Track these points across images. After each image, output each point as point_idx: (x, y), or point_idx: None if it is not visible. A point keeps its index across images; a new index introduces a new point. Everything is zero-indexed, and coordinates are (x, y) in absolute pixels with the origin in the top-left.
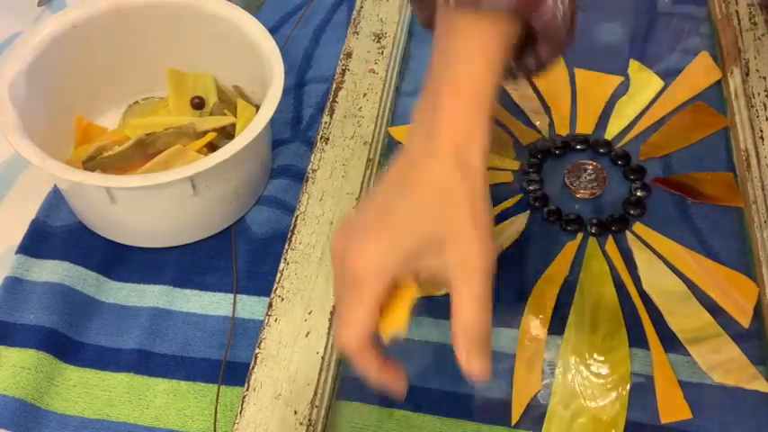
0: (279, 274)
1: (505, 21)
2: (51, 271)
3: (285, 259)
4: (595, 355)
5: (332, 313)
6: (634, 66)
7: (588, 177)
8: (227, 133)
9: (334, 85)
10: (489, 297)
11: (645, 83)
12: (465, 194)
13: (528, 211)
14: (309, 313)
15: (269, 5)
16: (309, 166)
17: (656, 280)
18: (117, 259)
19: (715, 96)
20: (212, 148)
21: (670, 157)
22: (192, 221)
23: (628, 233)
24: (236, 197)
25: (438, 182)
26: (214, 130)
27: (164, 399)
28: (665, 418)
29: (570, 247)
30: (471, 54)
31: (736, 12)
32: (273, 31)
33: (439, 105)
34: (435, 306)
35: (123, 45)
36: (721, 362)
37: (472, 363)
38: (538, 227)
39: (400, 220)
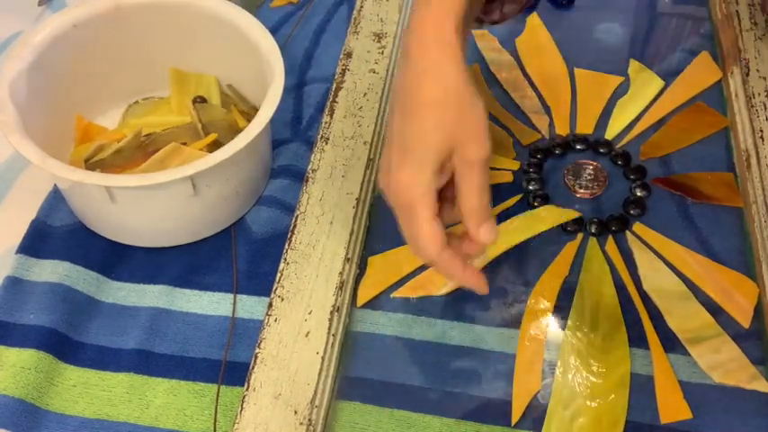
0: (279, 274)
1: None
2: (51, 271)
3: (285, 259)
4: (595, 355)
5: (332, 313)
6: (634, 66)
7: (588, 177)
8: (230, 132)
9: (334, 85)
10: (487, 184)
11: (645, 83)
12: (454, 106)
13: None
14: (309, 313)
15: (269, 5)
16: (309, 166)
17: (656, 280)
18: (117, 259)
19: (715, 96)
20: (215, 146)
21: (670, 157)
22: (192, 221)
23: (628, 233)
24: (236, 197)
25: (431, 102)
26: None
27: (164, 399)
28: (665, 418)
29: (570, 248)
30: None
31: (737, 12)
32: (273, 30)
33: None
34: (435, 306)
35: (123, 45)
36: (721, 362)
37: (481, 233)
38: None
39: (413, 142)
